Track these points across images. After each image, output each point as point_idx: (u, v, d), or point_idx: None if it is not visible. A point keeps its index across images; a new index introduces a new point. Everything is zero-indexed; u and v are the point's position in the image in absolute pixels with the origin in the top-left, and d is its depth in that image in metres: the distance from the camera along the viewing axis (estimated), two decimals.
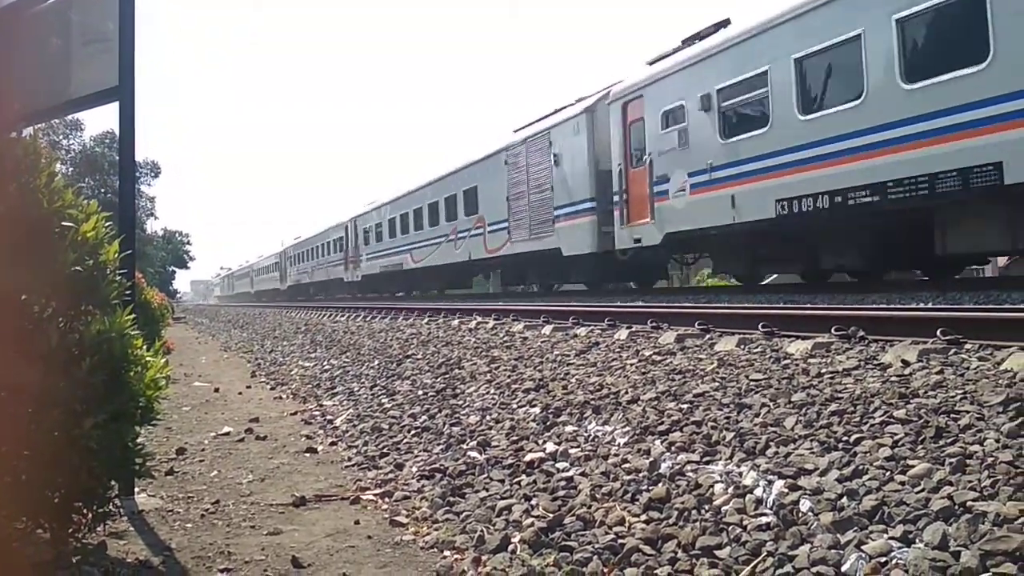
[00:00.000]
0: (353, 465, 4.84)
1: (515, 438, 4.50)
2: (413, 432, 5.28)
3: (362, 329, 12.97)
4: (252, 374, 10.73)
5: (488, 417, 5.09)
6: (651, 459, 3.55)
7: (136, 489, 3.99)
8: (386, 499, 4.04)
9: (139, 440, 2.96)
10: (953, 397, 3.35)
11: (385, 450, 5.02)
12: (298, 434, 5.97)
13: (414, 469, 4.46)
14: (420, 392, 6.45)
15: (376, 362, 8.80)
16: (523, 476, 3.90)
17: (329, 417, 6.54)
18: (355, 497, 4.10)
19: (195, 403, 7.84)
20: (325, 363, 10.12)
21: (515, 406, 5.16)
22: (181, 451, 5.36)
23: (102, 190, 48.61)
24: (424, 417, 5.59)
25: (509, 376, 6.05)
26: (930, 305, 6.85)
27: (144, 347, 2.92)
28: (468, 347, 8.04)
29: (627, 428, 4.08)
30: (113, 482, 2.92)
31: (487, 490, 3.83)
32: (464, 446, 4.64)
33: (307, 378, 9.24)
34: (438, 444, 4.84)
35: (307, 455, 5.23)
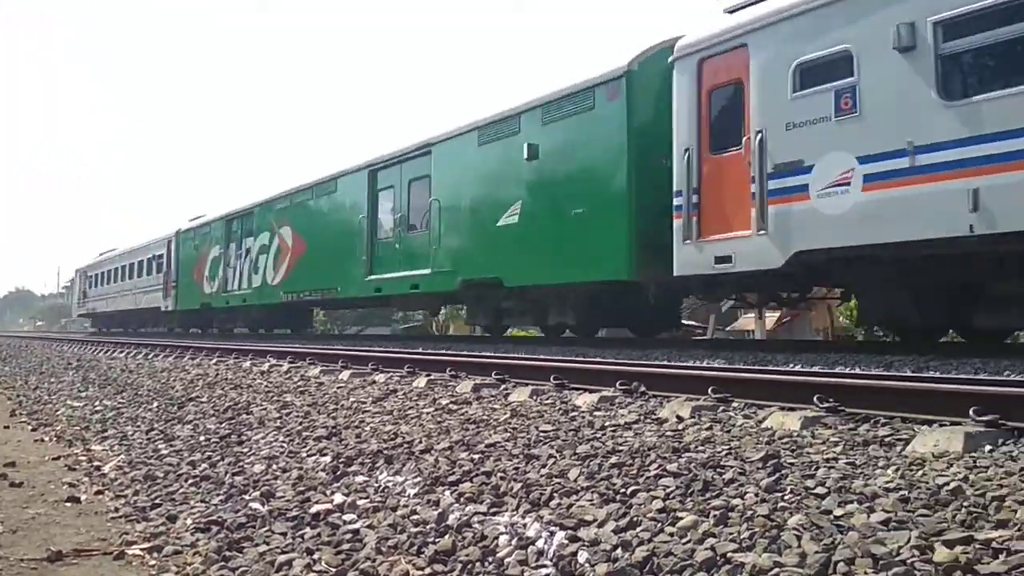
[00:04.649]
0: (120, 516, 4.47)
1: (302, 488, 4.35)
2: (191, 481, 4.96)
3: (142, 367, 12.13)
4: (12, 413, 9.68)
5: (275, 466, 4.89)
6: (440, 510, 3.54)
7: None
8: (155, 554, 3.75)
9: None
10: (720, 452, 3.61)
11: (158, 500, 4.68)
12: (60, 481, 5.44)
13: (188, 521, 4.18)
14: (202, 438, 6.09)
15: (155, 404, 8.23)
16: (307, 528, 3.77)
17: (97, 463, 6.01)
18: (119, 552, 3.78)
19: None
20: (97, 403, 9.33)
21: (304, 455, 4.99)
22: None
23: None
24: (204, 465, 5.27)
25: (300, 423, 5.86)
26: (704, 363, 7.37)
27: None
28: (259, 391, 7.72)
29: (418, 478, 4.05)
30: None
31: (267, 544, 3.66)
32: (246, 496, 4.42)
33: (75, 419, 8.47)
34: (218, 494, 4.58)
35: (68, 504, 4.77)
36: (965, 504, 2.62)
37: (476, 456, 4.19)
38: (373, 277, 16.30)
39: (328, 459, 4.76)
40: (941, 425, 3.69)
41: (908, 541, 2.39)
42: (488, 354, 9.36)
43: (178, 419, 7.09)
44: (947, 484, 2.83)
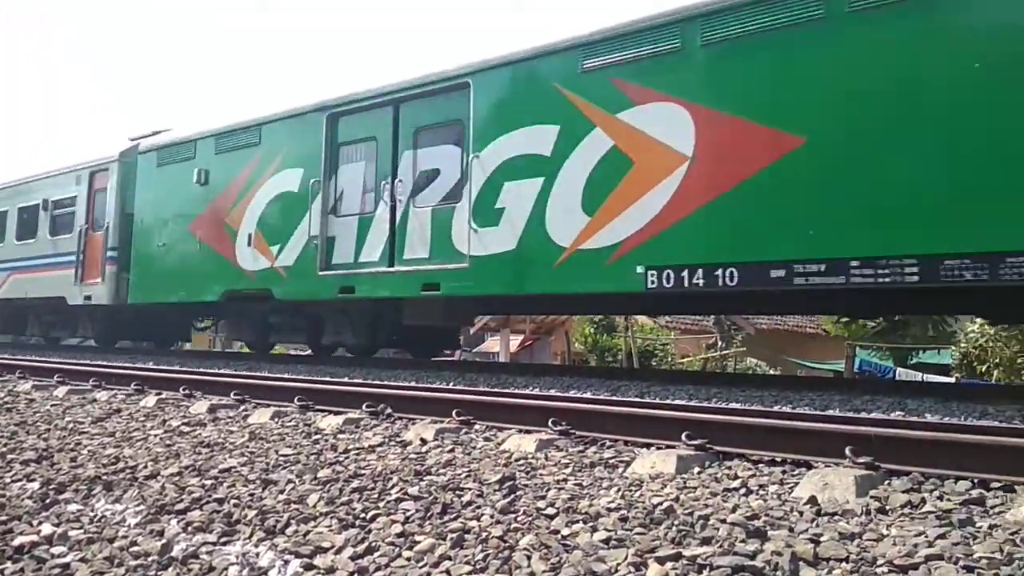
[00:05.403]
0: None
1: (3, 518, 3.88)
2: None
3: None
4: None
5: None
6: (164, 540, 3.31)
7: None
8: None
9: None
10: (460, 475, 3.70)
11: None
12: None
13: None
14: None
15: None
16: (8, 563, 3.36)
17: None
18: None
19: None
20: None
21: (8, 480, 4.46)
22: None
23: None
24: None
25: (4, 444, 5.24)
26: (450, 385, 7.52)
27: None
28: None
29: (141, 506, 3.77)
30: None
31: None
32: None
33: None
34: None
35: None
36: (676, 523, 2.88)
37: (208, 482, 3.97)
38: None
39: (36, 485, 4.30)
40: (658, 448, 4.04)
41: (625, 558, 2.59)
42: (227, 372, 8.91)
43: None
44: (661, 504, 3.11)
